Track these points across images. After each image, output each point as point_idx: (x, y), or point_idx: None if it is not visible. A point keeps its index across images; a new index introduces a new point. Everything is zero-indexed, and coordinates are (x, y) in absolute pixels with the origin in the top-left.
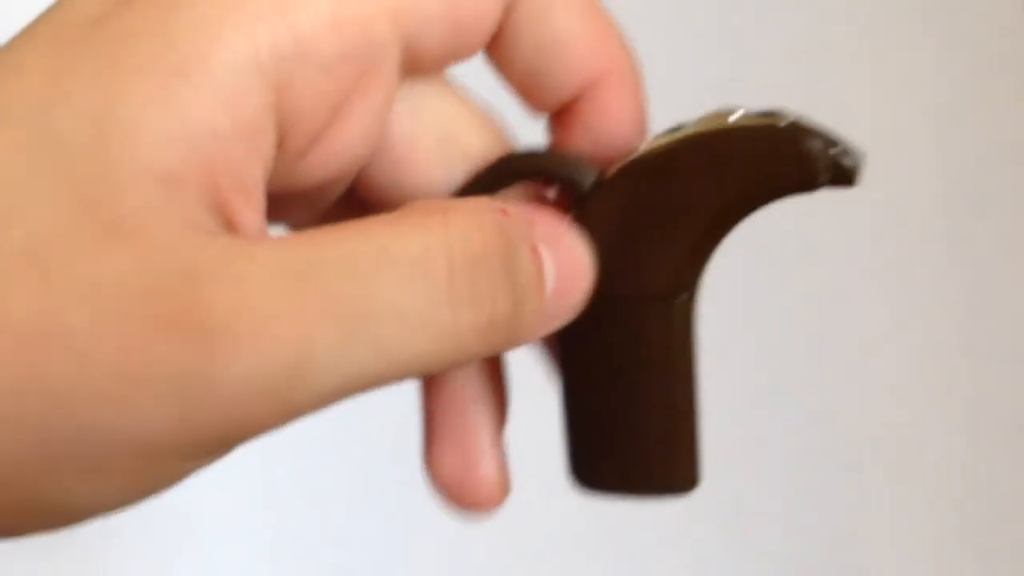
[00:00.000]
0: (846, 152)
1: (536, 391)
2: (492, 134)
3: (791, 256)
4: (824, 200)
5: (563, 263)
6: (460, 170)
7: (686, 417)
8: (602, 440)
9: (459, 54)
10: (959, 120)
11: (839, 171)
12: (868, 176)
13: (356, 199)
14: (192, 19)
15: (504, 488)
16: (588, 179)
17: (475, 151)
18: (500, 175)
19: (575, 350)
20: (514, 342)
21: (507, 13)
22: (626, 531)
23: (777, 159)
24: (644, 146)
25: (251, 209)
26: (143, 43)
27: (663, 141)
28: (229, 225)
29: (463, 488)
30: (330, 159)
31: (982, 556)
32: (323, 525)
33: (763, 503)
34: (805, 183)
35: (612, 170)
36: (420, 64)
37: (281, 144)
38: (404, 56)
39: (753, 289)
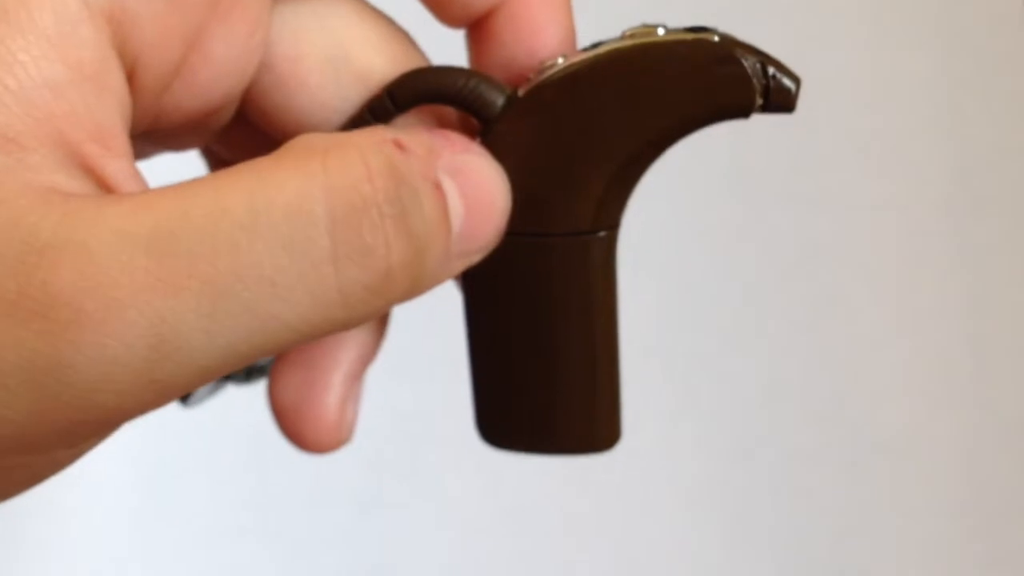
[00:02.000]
0: (785, 73)
1: None
2: (395, 53)
3: (791, 256)
4: (824, 200)
5: (472, 196)
6: (354, 91)
7: (606, 367)
8: (514, 393)
9: None
10: (959, 120)
11: (778, 93)
12: (868, 176)
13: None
14: None
15: (341, 429)
16: (497, 99)
17: (372, 71)
18: (398, 97)
19: (482, 292)
20: (415, 292)
21: None
22: (626, 531)
23: (710, 77)
24: (562, 62)
25: (113, 156)
26: None
27: (582, 57)
28: (94, 177)
29: (298, 419)
30: (199, 89)
31: (982, 556)
32: (323, 525)
33: (763, 503)
34: (740, 104)
35: (525, 88)
36: None
37: (133, 81)
38: None
39: (753, 289)
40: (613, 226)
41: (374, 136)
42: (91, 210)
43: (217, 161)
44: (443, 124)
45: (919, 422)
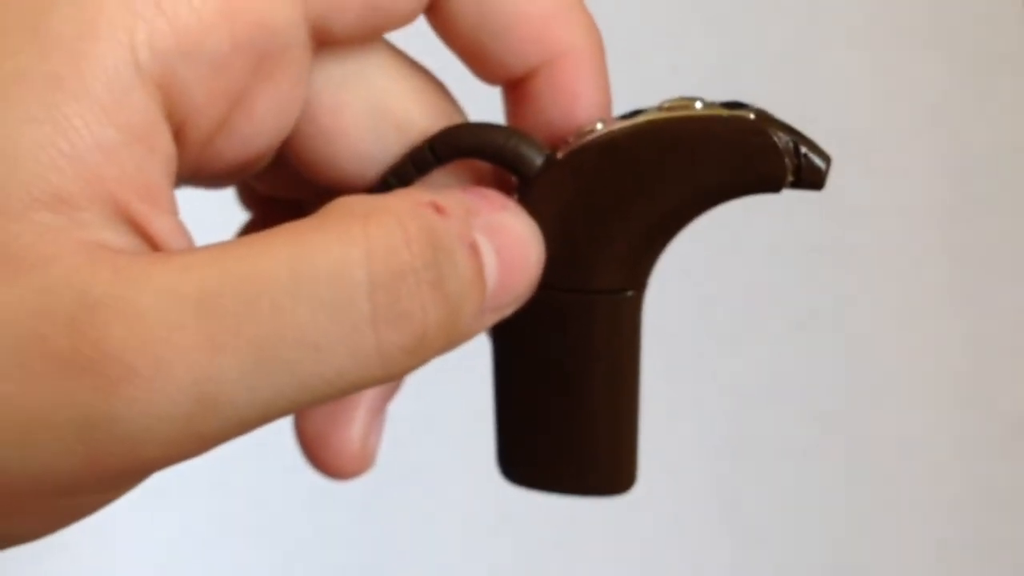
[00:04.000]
0: (816, 152)
1: None
2: (432, 105)
3: (791, 256)
4: (824, 200)
5: (506, 254)
6: (393, 141)
7: (628, 417)
8: (537, 435)
9: (383, 28)
10: (959, 120)
11: (809, 171)
12: (868, 176)
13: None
14: (66, 13)
15: (364, 459)
16: (537, 159)
17: (411, 122)
18: (439, 151)
19: (511, 338)
20: (449, 348)
21: None
22: (626, 531)
23: (744, 153)
24: (601, 128)
25: (159, 211)
26: (19, 43)
27: (621, 125)
28: (141, 234)
29: (322, 447)
30: (240, 142)
31: (983, 556)
32: (323, 525)
33: (763, 503)
34: (771, 181)
35: (563, 151)
36: (336, 40)
37: (179, 139)
38: (316, 35)
39: (753, 289)
40: (640, 287)
41: (412, 199)
42: (141, 269)
43: (249, 192)
44: (480, 177)
45: (919, 422)
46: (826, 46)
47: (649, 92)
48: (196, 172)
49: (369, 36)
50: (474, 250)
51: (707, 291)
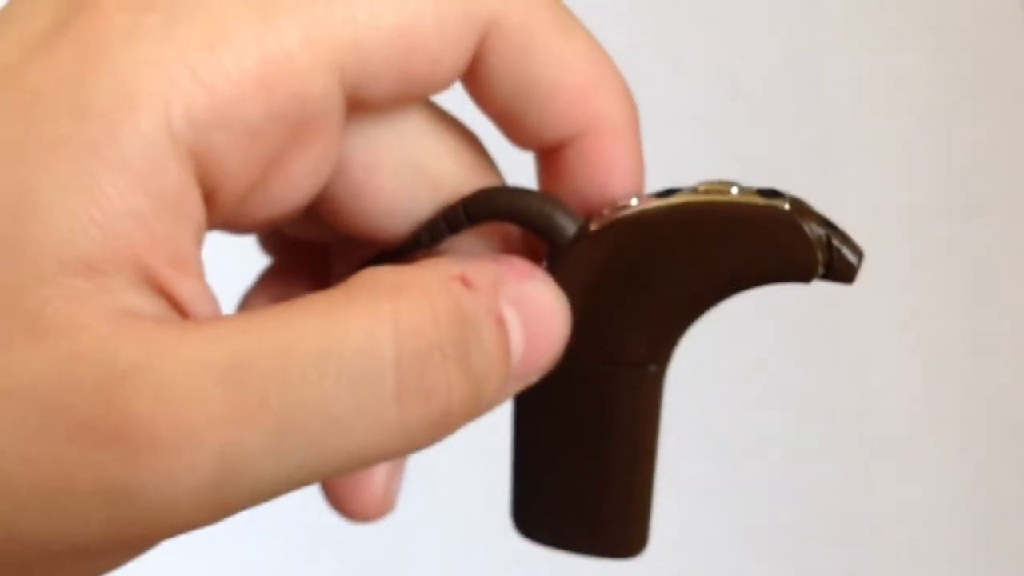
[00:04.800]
0: (849, 246)
1: None
2: (467, 162)
3: None
4: (824, 200)
5: (532, 325)
6: (428, 199)
7: (643, 485)
8: (553, 495)
9: (418, 95)
10: (959, 120)
11: (840, 265)
12: (868, 176)
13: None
14: (105, 83)
15: (385, 505)
16: (570, 228)
17: (446, 181)
18: (472, 212)
19: (534, 401)
20: (472, 419)
21: (481, 53)
22: None
23: (777, 243)
24: (635, 203)
25: (186, 276)
26: (58, 110)
27: (657, 203)
28: (167, 298)
29: (345, 493)
30: (272, 201)
31: (983, 556)
32: (324, 525)
33: (763, 503)
34: (802, 272)
35: (597, 224)
36: (372, 107)
37: (210, 202)
38: (351, 102)
39: (753, 289)
40: (663, 362)
41: (441, 273)
42: (169, 340)
43: (272, 235)
44: (510, 240)
45: (919, 422)
46: (826, 46)
47: (649, 91)
48: (226, 225)
49: (405, 101)
50: (501, 324)
51: None
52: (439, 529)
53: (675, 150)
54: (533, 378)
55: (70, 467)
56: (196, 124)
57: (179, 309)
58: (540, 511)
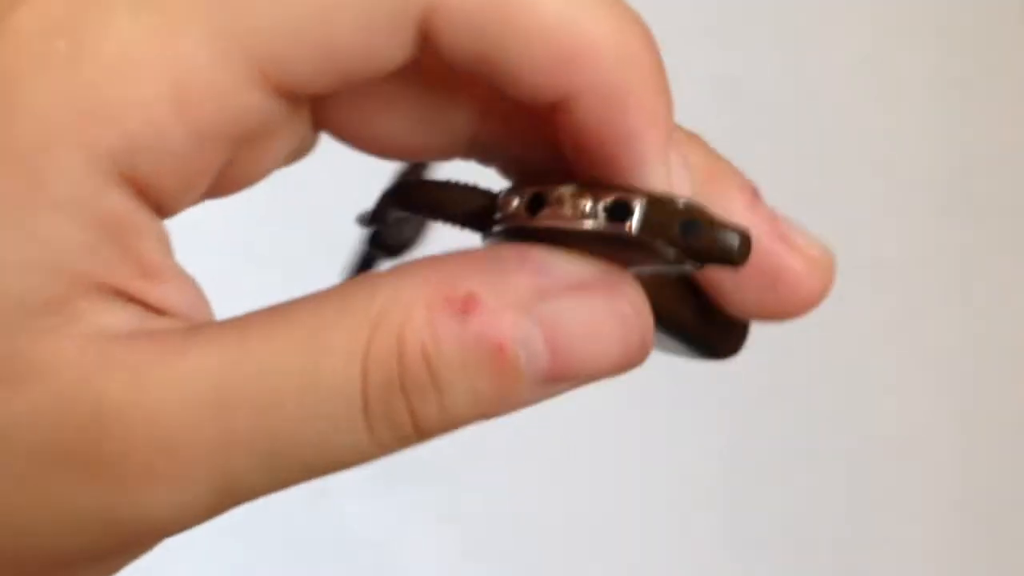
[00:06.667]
0: (722, 230)
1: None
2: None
3: None
4: (824, 200)
5: (563, 347)
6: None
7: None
8: None
9: (365, 76)
10: (959, 120)
11: (719, 255)
12: (868, 176)
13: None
14: (26, 129)
15: None
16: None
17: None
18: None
19: None
20: (460, 428)
21: (428, 31)
22: (625, 531)
23: (649, 256)
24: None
25: (157, 283)
26: None
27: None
28: (141, 305)
29: None
30: (257, 170)
31: (982, 556)
32: (324, 526)
33: (763, 503)
34: (684, 269)
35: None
36: (314, 92)
37: (168, 209)
38: (287, 93)
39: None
40: None
41: (439, 291)
42: (156, 372)
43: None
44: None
45: (919, 422)
46: (826, 46)
47: None
48: (211, 196)
49: (359, 86)
50: (500, 352)
51: None
52: (439, 528)
53: None
54: (580, 384)
55: (67, 500)
56: (116, 156)
57: (157, 312)
58: None
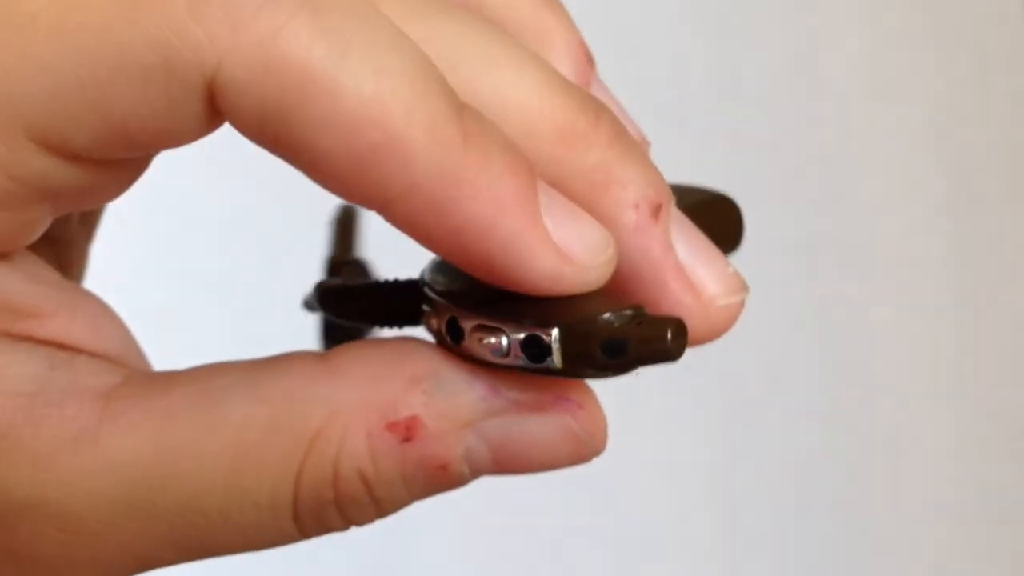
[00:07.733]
0: (653, 329)
1: None
2: None
3: (791, 256)
4: (824, 200)
5: (507, 461)
6: None
7: None
8: None
9: (156, 150)
10: (959, 120)
11: (655, 355)
12: (868, 176)
13: None
14: None
15: None
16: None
17: None
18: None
19: None
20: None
21: (221, 109)
22: (625, 530)
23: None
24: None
25: (45, 319)
26: None
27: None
28: (36, 342)
29: None
30: (106, 195)
31: (982, 556)
32: None
33: (763, 503)
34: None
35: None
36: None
37: (10, 252)
38: (70, 156)
39: (753, 289)
40: None
41: (380, 415)
42: (63, 463)
43: None
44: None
45: (919, 422)
46: (826, 46)
47: (649, 92)
48: (80, 207)
49: (149, 153)
50: (441, 469)
51: None
52: (439, 528)
53: (675, 150)
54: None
55: None
56: None
57: (58, 347)
58: None
